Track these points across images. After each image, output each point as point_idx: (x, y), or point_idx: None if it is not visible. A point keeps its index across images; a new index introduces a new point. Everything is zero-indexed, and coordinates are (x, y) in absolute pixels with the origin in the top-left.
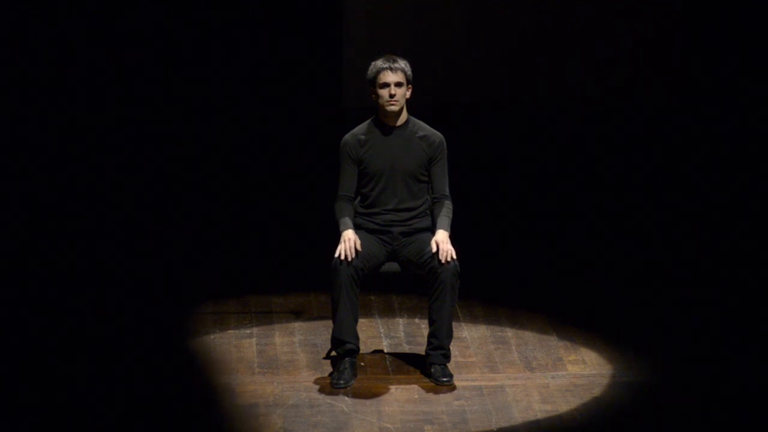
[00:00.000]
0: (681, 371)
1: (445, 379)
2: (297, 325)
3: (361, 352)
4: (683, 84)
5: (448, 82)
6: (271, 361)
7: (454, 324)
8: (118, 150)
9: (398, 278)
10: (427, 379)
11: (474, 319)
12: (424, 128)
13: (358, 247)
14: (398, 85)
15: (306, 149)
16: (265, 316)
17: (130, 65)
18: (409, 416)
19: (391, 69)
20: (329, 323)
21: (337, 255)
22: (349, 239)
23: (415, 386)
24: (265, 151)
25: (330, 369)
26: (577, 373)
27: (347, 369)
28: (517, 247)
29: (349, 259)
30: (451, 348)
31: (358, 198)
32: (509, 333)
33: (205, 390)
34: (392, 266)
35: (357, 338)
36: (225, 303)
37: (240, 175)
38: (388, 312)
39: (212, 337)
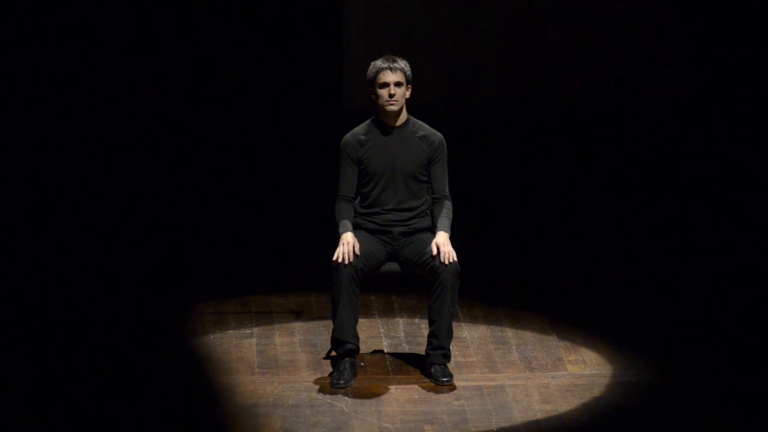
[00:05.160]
0: (681, 371)
1: (445, 379)
2: (297, 325)
3: (361, 352)
4: (683, 85)
5: (448, 82)
6: (271, 361)
7: (454, 324)
8: (118, 149)
9: (398, 278)
10: (427, 379)
11: (474, 319)
12: (424, 128)
13: (357, 251)
14: (398, 84)
15: (306, 149)
16: (265, 316)
17: (127, 65)
18: (409, 416)
19: (390, 69)
20: (329, 323)
21: (335, 258)
22: (348, 242)
23: (415, 386)
24: (265, 150)
25: (330, 369)
26: (577, 373)
27: (347, 369)
28: (517, 247)
29: (347, 262)
30: (451, 348)
31: (358, 198)
32: (509, 333)
33: (205, 390)
34: (392, 266)
35: (357, 338)
36: (225, 303)
37: (240, 174)
38: (388, 312)
39: (212, 337)
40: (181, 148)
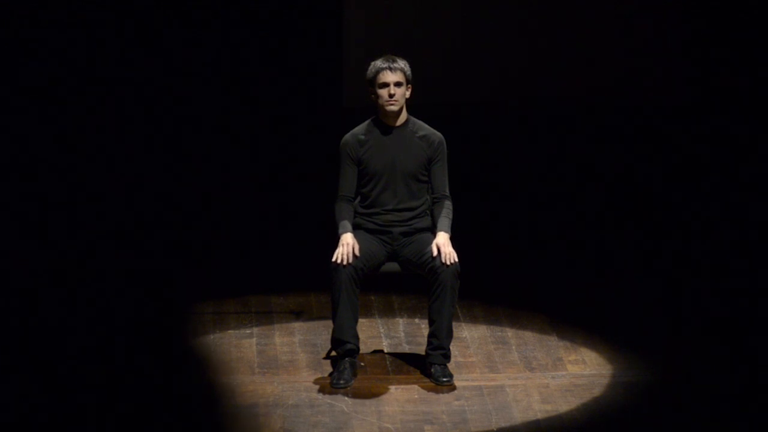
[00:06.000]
0: (681, 371)
1: (445, 379)
2: (297, 325)
3: (361, 352)
4: (684, 83)
5: (448, 82)
6: (271, 361)
7: (454, 324)
8: (118, 150)
9: (398, 278)
10: (427, 379)
11: (474, 319)
12: (423, 128)
13: (356, 252)
14: (398, 84)
15: (306, 149)
16: (265, 316)
17: (127, 65)
18: (409, 416)
19: (390, 69)
20: (329, 323)
21: (334, 259)
22: (348, 243)
23: (415, 386)
24: (266, 150)
25: (330, 369)
26: (577, 373)
27: (347, 369)
28: (517, 247)
29: (346, 263)
30: (451, 348)
31: (358, 198)
32: (509, 333)
33: (205, 390)
34: (392, 266)
35: (357, 338)
36: (225, 303)
37: (240, 174)
38: (388, 312)
39: (212, 337)
40: (180, 147)
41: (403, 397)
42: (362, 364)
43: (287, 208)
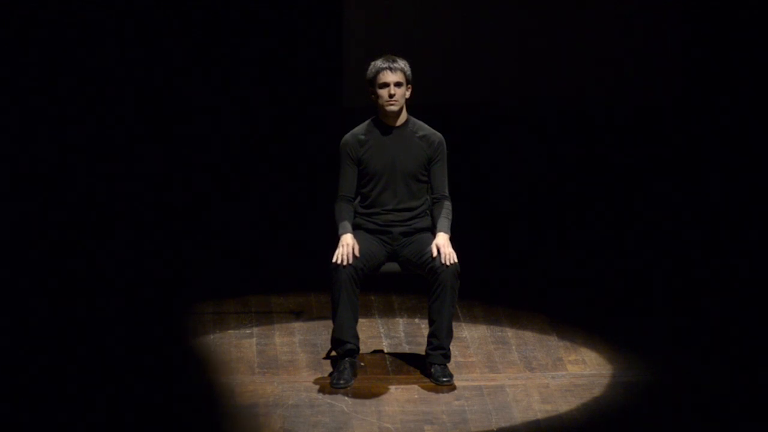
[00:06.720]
0: (681, 371)
1: (445, 379)
2: (297, 325)
3: (361, 352)
4: (684, 83)
5: (448, 82)
6: (271, 361)
7: (454, 324)
8: (118, 150)
9: (398, 278)
10: (427, 379)
11: (474, 319)
12: (423, 128)
13: (356, 253)
14: (398, 85)
15: (306, 149)
16: (265, 316)
17: (127, 65)
18: (409, 416)
19: (390, 69)
20: (329, 323)
21: (334, 259)
22: (347, 244)
23: (415, 386)
24: (265, 151)
25: (330, 369)
26: (577, 373)
27: (347, 369)
28: (517, 247)
29: (346, 264)
30: (451, 348)
31: (358, 198)
32: (509, 333)
33: (205, 390)
34: (392, 266)
35: (357, 338)
36: (225, 303)
37: (240, 174)
38: (388, 312)
39: (212, 337)
40: (181, 147)
41: (403, 397)
42: (362, 364)
43: (287, 208)
